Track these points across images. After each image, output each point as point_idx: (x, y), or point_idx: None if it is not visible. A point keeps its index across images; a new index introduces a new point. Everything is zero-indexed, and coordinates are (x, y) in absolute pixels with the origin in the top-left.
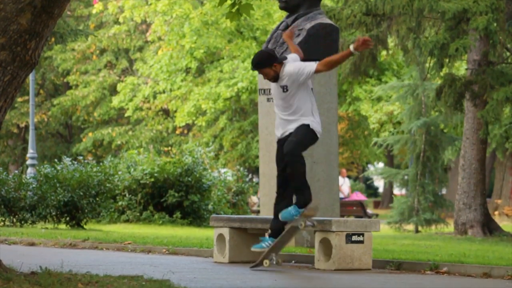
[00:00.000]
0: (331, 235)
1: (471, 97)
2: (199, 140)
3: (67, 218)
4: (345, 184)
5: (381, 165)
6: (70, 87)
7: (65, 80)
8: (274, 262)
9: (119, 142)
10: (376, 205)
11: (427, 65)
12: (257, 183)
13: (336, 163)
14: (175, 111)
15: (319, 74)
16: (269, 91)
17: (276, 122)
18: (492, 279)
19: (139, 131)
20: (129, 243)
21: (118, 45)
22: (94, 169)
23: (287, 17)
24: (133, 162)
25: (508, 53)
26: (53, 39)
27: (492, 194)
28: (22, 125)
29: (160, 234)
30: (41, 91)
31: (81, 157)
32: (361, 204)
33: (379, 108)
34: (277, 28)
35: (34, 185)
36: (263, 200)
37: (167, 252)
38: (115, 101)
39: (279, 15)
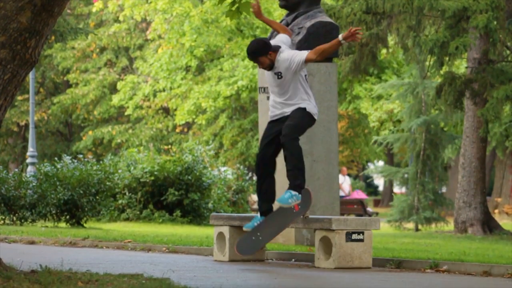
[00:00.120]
0: (331, 234)
1: (471, 96)
2: (199, 138)
3: (67, 217)
4: (345, 182)
5: (381, 163)
6: (70, 86)
7: (65, 79)
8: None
9: (119, 141)
10: (376, 203)
11: (427, 63)
12: None
13: (336, 161)
14: (175, 110)
15: (320, 73)
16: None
17: (270, 102)
18: (492, 278)
19: (139, 129)
20: (129, 242)
21: (118, 44)
22: (94, 168)
23: (287, 15)
24: (133, 160)
25: (508, 52)
26: (53, 38)
27: (492, 193)
28: (22, 123)
29: (160, 232)
30: (41, 90)
31: (81, 156)
32: (361, 203)
33: (379, 107)
34: None
35: (34, 184)
36: None
37: (167, 250)
38: (115, 99)
39: (279, 14)
